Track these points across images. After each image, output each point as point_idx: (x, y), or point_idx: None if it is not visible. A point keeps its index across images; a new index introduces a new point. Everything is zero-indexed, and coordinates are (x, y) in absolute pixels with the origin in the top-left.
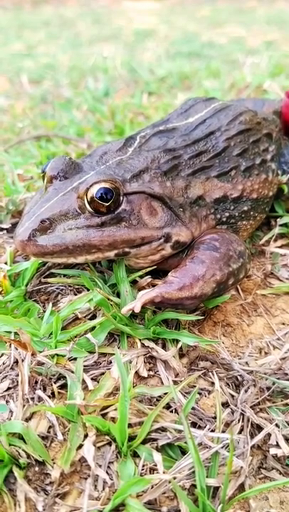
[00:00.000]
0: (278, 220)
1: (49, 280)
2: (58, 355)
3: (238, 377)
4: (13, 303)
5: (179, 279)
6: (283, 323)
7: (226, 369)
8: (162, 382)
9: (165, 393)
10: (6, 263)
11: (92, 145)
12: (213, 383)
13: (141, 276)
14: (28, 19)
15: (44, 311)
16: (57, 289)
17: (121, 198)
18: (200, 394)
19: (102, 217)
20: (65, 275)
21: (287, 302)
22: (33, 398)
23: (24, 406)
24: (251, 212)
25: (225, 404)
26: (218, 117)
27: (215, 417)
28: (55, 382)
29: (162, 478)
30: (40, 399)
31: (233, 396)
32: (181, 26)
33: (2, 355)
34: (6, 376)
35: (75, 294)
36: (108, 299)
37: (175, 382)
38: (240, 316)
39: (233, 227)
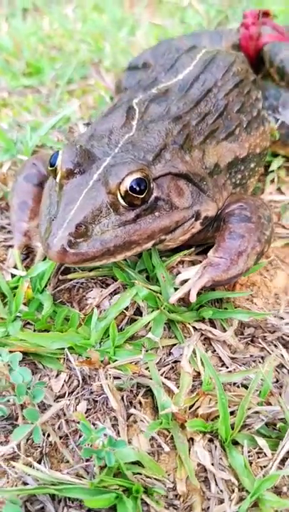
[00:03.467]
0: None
1: (69, 276)
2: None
3: (284, 336)
4: (44, 313)
5: (225, 259)
6: None
7: (269, 331)
8: (221, 360)
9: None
10: (15, 267)
11: (13, 92)
12: (262, 349)
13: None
14: None
15: (83, 317)
16: (76, 283)
17: (151, 185)
18: (254, 361)
19: (136, 209)
20: (82, 268)
21: None
22: (122, 416)
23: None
24: (256, 168)
25: (279, 366)
26: (211, 71)
27: (277, 381)
28: (137, 394)
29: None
30: (129, 415)
31: (283, 356)
32: None
33: (59, 373)
34: (78, 397)
35: (102, 287)
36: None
37: (233, 359)
38: (261, 273)
39: (244, 187)
